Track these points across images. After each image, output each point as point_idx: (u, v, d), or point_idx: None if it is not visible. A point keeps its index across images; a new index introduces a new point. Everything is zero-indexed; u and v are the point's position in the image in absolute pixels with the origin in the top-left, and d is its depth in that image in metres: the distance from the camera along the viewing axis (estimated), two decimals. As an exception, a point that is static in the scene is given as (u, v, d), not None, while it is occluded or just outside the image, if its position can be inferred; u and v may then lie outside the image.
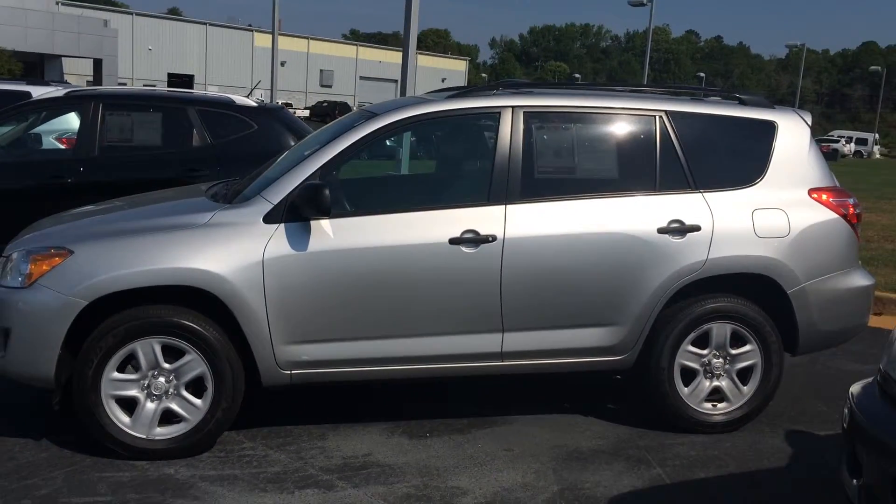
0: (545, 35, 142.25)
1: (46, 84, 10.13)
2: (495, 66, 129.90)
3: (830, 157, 53.40)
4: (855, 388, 2.78)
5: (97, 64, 41.85)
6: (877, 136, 70.08)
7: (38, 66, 40.47)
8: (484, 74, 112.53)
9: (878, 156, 66.75)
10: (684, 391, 4.33)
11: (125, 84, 51.49)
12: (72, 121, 8.57)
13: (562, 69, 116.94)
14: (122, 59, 48.96)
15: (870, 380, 2.79)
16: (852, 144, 65.24)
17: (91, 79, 42.33)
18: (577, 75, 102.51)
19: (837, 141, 62.40)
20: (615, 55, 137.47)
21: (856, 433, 2.63)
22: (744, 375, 4.39)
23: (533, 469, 3.91)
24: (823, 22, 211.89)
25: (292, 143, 6.65)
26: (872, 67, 75.15)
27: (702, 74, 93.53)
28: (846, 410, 2.74)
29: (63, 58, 42.02)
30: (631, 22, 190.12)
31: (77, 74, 44.36)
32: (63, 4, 53.13)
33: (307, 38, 71.65)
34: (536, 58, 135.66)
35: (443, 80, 74.10)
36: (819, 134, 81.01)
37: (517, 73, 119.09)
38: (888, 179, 27.95)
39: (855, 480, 2.61)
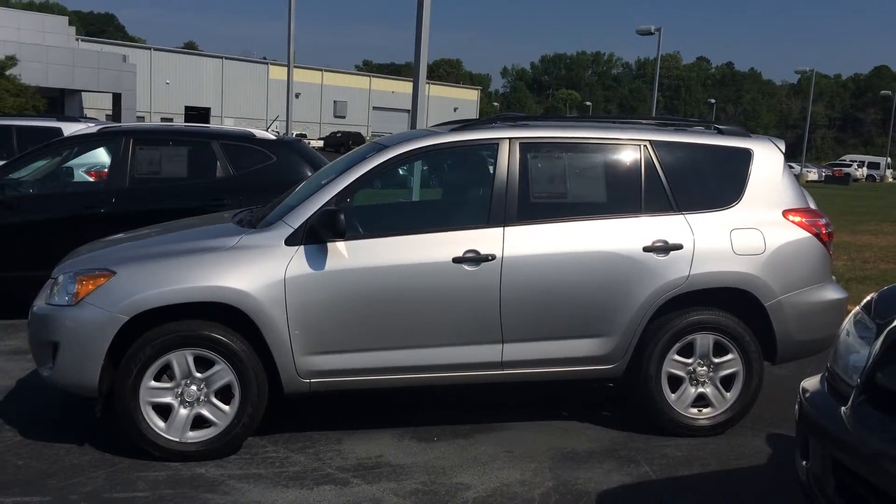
0: (556, 63, 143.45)
1: (76, 120, 10.68)
2: (507, 94, 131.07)
3: (842, 181, 53.64)
4: (805, 384, 3.15)
5: (116, 98, 42.84)
6: (889, 160, 70.12)
7: (58, 101, 41.45)
8: (496, 103, 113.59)
9: (890, 179, 66.79)
10: (671, 397, 4.69)
11: (143, 118, 52.56)
12: (99, 155, 9.11)
13: (573, 97, 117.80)
14: (141, 93, 50.08)
15: (819, 376, 3.16)
16: (864, 168, 65.39)
17: (110, 113, 43.31)
18: (588, 103, 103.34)
19: (849, 165, 62.57)
20: (626, 82, 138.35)
21: (804, 421, 3.00)
22: (727, 382, 4.75)
23: (531, 468, 4.28)
24: (835, 47, 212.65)
25: (309, 174, 7.11)
26: (884, 92, 75.27)
27: (713, 101, 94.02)
28: (797, 403, 3.11)
29: (83, 93, 43.03)
30: (642, 50, 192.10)
31: (96, 109, 45.38)
32: (83, 41, 54.47)
33: (321, 70, 72.87)
34: (548, 86, 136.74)
35: (455, 110, 75.08)
36: (831, 158, 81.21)
37: (529, 101, 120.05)
38: (895, 203, 28.17)
39: (804, 462, 2.98)
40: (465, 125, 4.88)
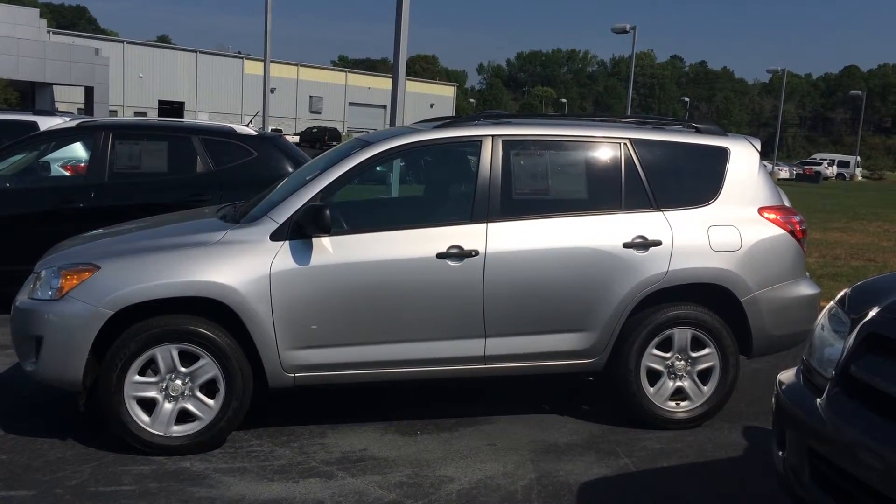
0: (532, 60, 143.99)
1: (52, 114, 10.57)
2: (483, 91, 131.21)
3: (813, 179, 54.38)
4: (782, 376, 3.24)
5: (88, 92, 42.24)
6: (858, 158, 71.18)
7: (28, 95, 40.83)
8: (472, 100, 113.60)
9: (859, 178, 67.79)
10: (650, 391, 4.78)
11: (116, 112, 51.93)
12: (76, 150, 9.03)
13: (549, 94, 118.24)
14: (114, 86, 49.35)
15: (795, 369, 3.26)
16: (835, 167, 66.33)
17: (82, 106, 42.73)
18: (563, 100, 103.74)
19: (820, 164, 63.47)
20: (601, 80, 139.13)
21: (781, 413, 3.10)
22: (704, 376, 4.84)
23: (513, 460, 4.35)
24: (806, 47, 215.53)
25: (290, 169, 7.13)
26: (853, 91, 76.35)
27: (686, 99, 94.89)
28: (774, 396, 3.20)
29: (54, 86, 42.43)
30: (616, 47, 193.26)
31: (68, 102, 44.76)
32: (54, 33, 53.70)
33: (297, 65, 72.45)
34: (524, 83, 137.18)
35: (431, 106, 74.99)
36: (802, 157, 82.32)
37: (505, 98, 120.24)
38: (864, 202, 28.65)
39: (781, 452, 3.07)
40: (449, 122, 4.93)
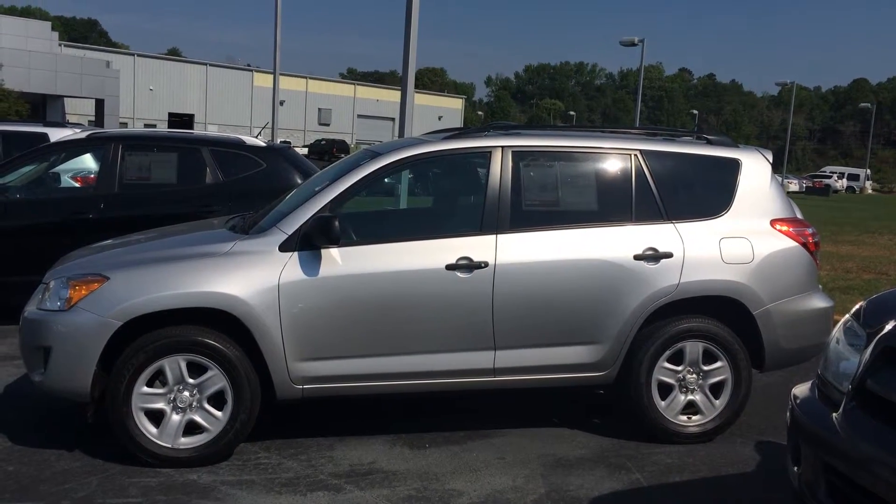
0: (540, 73, 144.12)
1: (63, 126, 10.62)
2: (491, 103, 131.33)
3: (823, 192, 54.19)
4: (796, 390, 3.20)
5: (99, 104, 42.46)
6: (868, 171, 70.91)
7: (40, 106, 41.08)
8: (480, 112, 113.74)
9: (870, 191, 67.51)
10: (661, 404, 4.73)
11: (126, 124, 52.21)
12: (86, 161, 9.07)
13: (557, 107, 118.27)
14: (124, 98, 49.64)
15: (810, 383, 3.22)
16: (844, 180, 66.08)
17: (93, 119, 42.95)
18: (571, 112, 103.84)
19: (830, 177, 63.23)
20: (609, 93, 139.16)
21: (796, 427, 3.05)
22: (716, 390, 4.80)
23: (523, 474, 4.30)
24: (815, 60, 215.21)
25: (299, 181, 7.13)
26: (863, 104, 76.11)
27: (695, 111, 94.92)
28: (789, 410, 3.16)
29: (65, 98, 42.68)
30: (624, 60, 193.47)
31: (79, 114, 45.02)
32: (66, 46, 54.08)
33: (305, 78, 72.70)
34: (532, 96, 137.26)
35: (439, 118, 75.10)
36: (812, 170, 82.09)
37: (513, 110, 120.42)
38: (875, 214, 28.52)
39: (796, 468, 3.02)
40: (458, 133, 4.92)
